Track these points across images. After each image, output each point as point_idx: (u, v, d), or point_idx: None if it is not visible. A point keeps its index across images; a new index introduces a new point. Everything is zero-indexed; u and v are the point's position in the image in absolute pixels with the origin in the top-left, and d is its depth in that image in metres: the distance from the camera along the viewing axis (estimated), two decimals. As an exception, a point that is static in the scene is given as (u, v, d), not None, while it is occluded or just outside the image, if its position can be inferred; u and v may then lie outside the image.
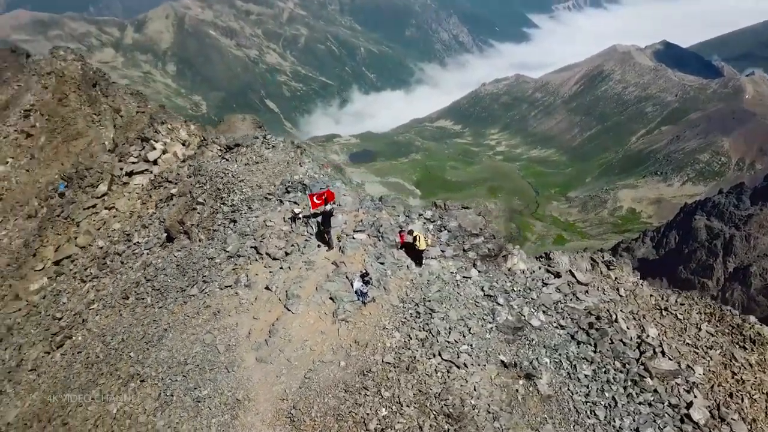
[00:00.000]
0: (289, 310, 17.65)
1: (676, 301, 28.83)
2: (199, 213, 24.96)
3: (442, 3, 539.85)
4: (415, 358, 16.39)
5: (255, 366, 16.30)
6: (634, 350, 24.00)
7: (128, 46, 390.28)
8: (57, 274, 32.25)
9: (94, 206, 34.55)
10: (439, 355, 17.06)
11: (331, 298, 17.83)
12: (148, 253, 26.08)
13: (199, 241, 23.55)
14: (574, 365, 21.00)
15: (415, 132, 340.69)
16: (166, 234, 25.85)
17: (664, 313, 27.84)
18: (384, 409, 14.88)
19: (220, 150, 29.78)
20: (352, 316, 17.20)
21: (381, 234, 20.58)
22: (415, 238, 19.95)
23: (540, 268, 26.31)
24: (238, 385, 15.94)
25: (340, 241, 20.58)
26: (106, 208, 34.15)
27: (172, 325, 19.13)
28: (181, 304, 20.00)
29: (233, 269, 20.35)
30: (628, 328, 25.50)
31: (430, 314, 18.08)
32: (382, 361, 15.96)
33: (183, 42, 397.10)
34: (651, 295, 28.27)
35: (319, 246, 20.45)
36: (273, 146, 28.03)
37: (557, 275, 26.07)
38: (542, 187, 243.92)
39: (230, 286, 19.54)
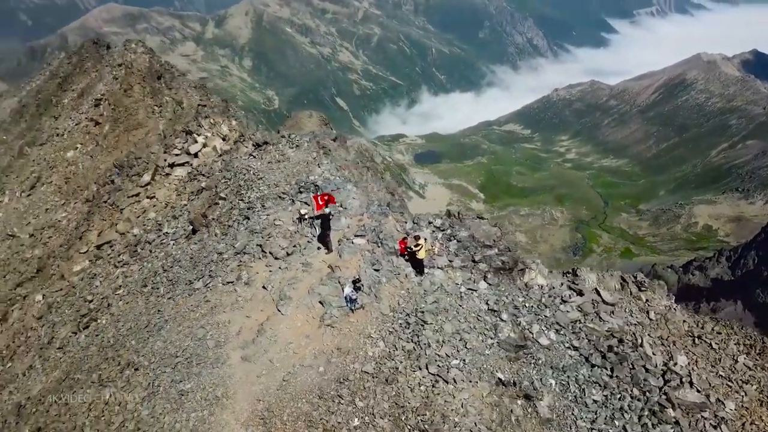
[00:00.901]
0: (279, 311, 17.69)
1: (713, 330, 27.03)
2: (220, 207, 25.51)
3: (519, 6, 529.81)
4: (397, 369, 16.03)
5: (239, 364, 16.42)
6: (658, 378, 22.64)
7: (208, 40, 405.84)
8: (96, 258, 33.81)
9: (137, 195, 36.01)
10: (426, 368, 16.61)
11: (320, 302, 17.73)
12: (173, 244, 26.86)
13: (215, 235, 24.03)
14: (583, 389, 20.01)
15: (483, 135, 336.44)
16: (191, 226, 26.58)
17: (697, 341, 26.15)
18: (356, 419, 14.62)
19: (252, 147, 30.29)
20: (338, 321, 17.02)
21: (380, 240, 20.27)
22: (415, 246, 19.53)
23: (562, 284, 25.23)
24: (219, 382, 16.11)
25: (340, 244, 20.45)
26: (147, 197, 35.51)
27: (173, 316, 19.59)
28: (185, 297, 20.45)
29: (238, 266, 20.62)
30: (654, 354, 24.10)
31: (422, 326, 17.63)
32: (361, 370, 15.71)
33: (260, 38, 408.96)
34: (684, 321, 26.61)
35: (319, 248, 20.40)
36: (297, 145, 28.25)
37: (580, 293, 24.93)
38: (612, 197, 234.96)
39: (232, 282, 19.81)
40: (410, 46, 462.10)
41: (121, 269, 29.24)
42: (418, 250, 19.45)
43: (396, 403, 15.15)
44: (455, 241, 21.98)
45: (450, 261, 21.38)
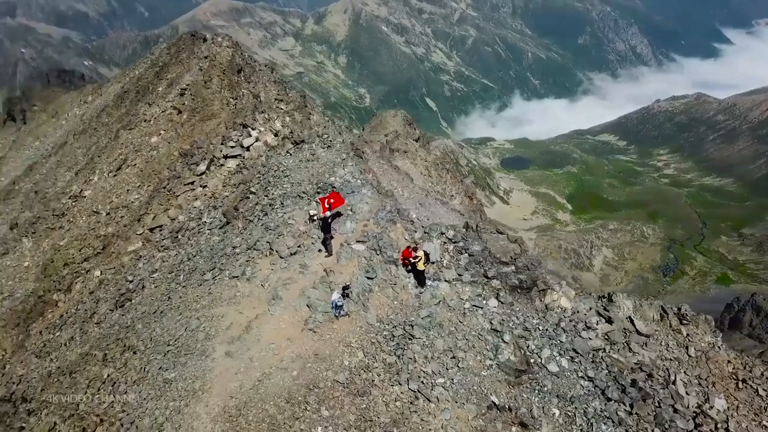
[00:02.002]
0: (269, 310, 17.75)
1: (762, 374, 24.52)
2: (249, 201, 26.05)
3: (624, 12, 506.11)
4: (373, 382, 15.62)
5: (221, 359, 16.63)
6: (688, 421, 20.95)
7: (307, 36, 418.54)
8: (146, 241, 35.62)
9: (192, 183, 37.54)
10: (406, 383, 16.08)
11: (308, 306, 17.59)
12: (208, 234, 27.69)
13: (237, 228, 24.54)
14: (592, 423, 18.75)
15: (575, 144, 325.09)
16: (224, 217, 27.33)
17: (741, 385, 23.91)
18: (320, 428, 14.39)
19: (291, 144, 30.71)
20: (321, 327, 16.82)
21: (380, 248, 19.81)
22: (416, 257, 18.95)
23: (590, 309, 23.77)
24: (200, 375, 16.39)
25: (341, 248, 20.20)
26: (201, 186, 36.93)
27: (177, 305, 20.18)
28: (194, 287, 21.01)
29: (246, 261, 20.92)
30: (687, 393, 22.31)
31: (409, 339, 17.08)
32: (333, 378, 15.43)
33: (356, 36, 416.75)
34: (729, 362, 24.39)
35: (320, 251, 20.29)
36: (328, 146, 28.29)
37: (609, 320, 23.37)
38: (711, 219, 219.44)
39: (236, 277, 20.12)
40: (505, 50, 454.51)
41: (162, 254, 30.58)
42: (417, 262, 18.91)
43: (363, 417, 14.78)
44: (467, 254, 21.15)
45: (459, 275, 20.62)
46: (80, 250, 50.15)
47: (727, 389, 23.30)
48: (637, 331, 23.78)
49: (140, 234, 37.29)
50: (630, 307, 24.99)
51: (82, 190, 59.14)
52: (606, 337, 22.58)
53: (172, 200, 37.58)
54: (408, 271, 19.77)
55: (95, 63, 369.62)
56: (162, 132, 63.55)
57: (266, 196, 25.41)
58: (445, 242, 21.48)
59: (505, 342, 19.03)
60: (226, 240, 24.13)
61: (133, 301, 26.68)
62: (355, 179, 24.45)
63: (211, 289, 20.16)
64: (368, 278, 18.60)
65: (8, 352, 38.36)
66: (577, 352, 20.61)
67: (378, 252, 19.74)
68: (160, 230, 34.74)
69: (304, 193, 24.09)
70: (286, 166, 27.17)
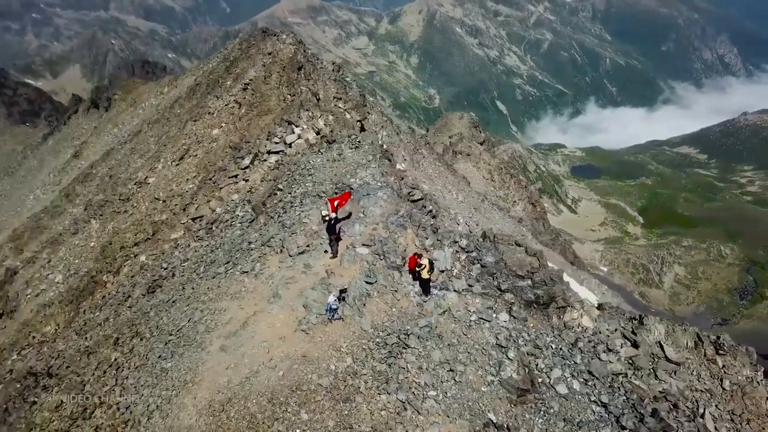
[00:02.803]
0: (267, 308, 17.78)
1: (805, 417, 22.50)
2: (276, 198, 26.29)
3: (712, 19, 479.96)
4: (358, 388, 15.32)
5: (216, 353, 16.80)
6: (714, 458, 19.49)
7: (380, 36, 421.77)
8: (187, 230, 36.71)
9: (235, 176, 38.42)
10: (395, 393, 15.67)
11: (304, 306, 17.48)
12: (238, 227, 28.18)
13: (259, 223, 24.82)
14: (600, 451, 17.68)
15: (650, 155, 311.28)
16: (253, 212, 27.77)
17: (780, 425, 21.98)
18: (297, 431, 14.25)
19: (324, 143, 30.81)
20: (313, 329, 16.68)
21: (384, 253, 19.42)
22: (420, 265, 18.47)
23: (615, 330, 22.51)
24: (193, 367, 16.63)
25: (347, 251, 19.97)
26: (243, 180, 37.75)
27: (187, 296, 20.58)
28: (208, 279, 21.40)
29: (258, 257, 21.09)
30: (716, 429, 20.76)
31: (403, 348, 16.65)
32: (317, 382, 15.24)
33: (429, 36, 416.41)
34: (768, 399, 22.45)
35: (326, 252, 20.14)
36: (356, 147, 28.12)
37: (635, 344, 22.06)
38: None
39: (246, 272, 20.31)
40: (582, 55, 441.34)
41: (195, 244, 31.43)
42: (421, 270, 18.44)
43: (343, 423, 14.54)
44: (479, 265, 20.47)
45: (470, 285, 19.98)
46: (135, 235, 52.23)
47: (763, 428, 21.53)
48: (667, 358, 22.38)
49: (183, 223, 38.52)
50: (662, 332, 23.56)
51: (146, 177, 61.56)
52: (629, 361, 21.34)
53: (216, 192, 38.61)
54: (414, 279, 19.34)
55: (178, 56, 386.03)
56: (223, 125, 65.44)
57: (290, 193, 25.61)
58: (457, 251, 20.89)
59: (509, 358, 18.29)
60: (245, 235, 24.51)
61: (162, 288, 27.57)
62: (375, 181, 24.20)
63: (221, 282, 20.48)
64: (367, 283, 18.30)
65: (60, 328, 40.57)
66: (592, 375, 19.57)
67: (382, 257, 19.42)
68: (200, 220, 35.76)
69: (324, 192, 24.09)
70: (312, 165, 27.31)
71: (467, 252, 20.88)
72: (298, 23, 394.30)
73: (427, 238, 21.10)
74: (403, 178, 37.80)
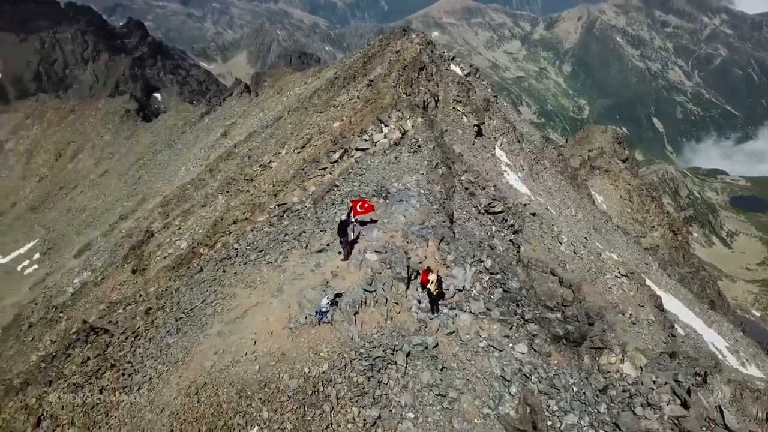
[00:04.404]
0: (269, 301, 17.86)
1: None
2: (332, 193, 26.46)
3: None
4: (328, 396, 14.87)
5: (212, 337, 17.22)
6: None
7: (534, 41, 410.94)
8: (269, 215, 38.13)
9: (324, 169, 39.27)
10: (369, 408, 15.00)
11: (299, 305, 17.29)
12: (298, 218, 28.72)
13: (306, 217, 25.09)
14: None
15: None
16: (313, 204, 28.19)
17: None
18: (256, 428, 14.20)
19: (392, 144, 30.38)
20: (299, 329, 16.46)
21: (391, 263, 18.57)
22: (428, 280, 17.48)
23: (665, 384, 19.85)
24: (189, 347, 17.21)
25: (357, 255, 19.42)
26: (329, 173, 38.45)
27: (215, 278, 21.35)
28: (240, 265, 22.04)
29: (287, 250, 21.31)
30: None
31: (388, 364, 15.86)
32: (286, 382, 15.03)
33: (586, 44, 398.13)
34: None
35: (339, 253, 19.76)
36: (414, 151, 27.31)
37: (685, 404, 19.30)
38: None
39: (270, 263, 20.61)
40: (761, 74, 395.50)
41: (267, 229, 32.53)
42: (429, 286, 17.50)
43: (302, 428, 14.25)
44: (501, 289, 18.98)
45: (488, 309, 18.61)
46: (243, 213, 55.53)
47: None
48: (725, 426, 19.37)
49: (272, 208, 40.26)
50: (726, 395, 20.47)
51: (270, 161, 65.07)
52: (674, 422, 18.76)
53: (305, 182, 39.87)
54: (428, 294, 18.46)
55: (334, 49, 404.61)
56: (344, 118, 67.37)
57: (339, 190, 25.70)
58: (480, 271, 19.60)
59: (510, 394, 16.84)
60: (289, 226, 24.96)
61: (225, 267, 28.91)
62: (416, 188, 23.47)
63: (246, 270, 21.04)
64: (366, 290, 17.72)
65: (156, 291, 44.36)
66: (618, 429, 17.42)
67: (389, 266, 18.73)
68: (280, 208, 37.11)
69: (364, 194, 23.87)
70: (367, 165, 27.17)
71: (491, 273, 19.55)
72: (451, 24, 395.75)
73: (449, 253, 20.07)
74: (485, 188, 36.44)
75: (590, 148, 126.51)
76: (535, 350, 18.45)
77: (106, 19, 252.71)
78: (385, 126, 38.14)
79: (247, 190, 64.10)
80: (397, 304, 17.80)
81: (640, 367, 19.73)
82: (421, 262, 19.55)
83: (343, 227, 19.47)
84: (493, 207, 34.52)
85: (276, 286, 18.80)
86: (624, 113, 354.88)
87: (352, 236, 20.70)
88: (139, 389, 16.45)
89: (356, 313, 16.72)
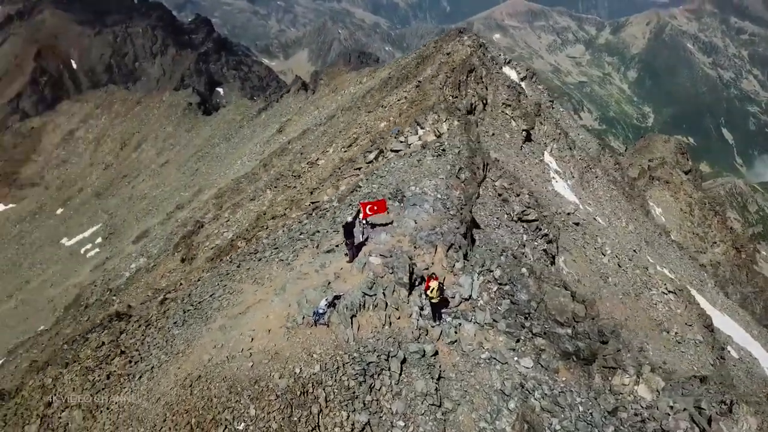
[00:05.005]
0: (271, 299, 17.93)
1: None
2: (355, 194, 26.42)
3: None
4: (317, 398, 14.79)
5: (214, 331, 17.44)
6: None
7: (599, 45, 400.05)
8: (301, 212, 38.40)
9: (359, 169, 39.31)
10: (358, 413, 14.84)
11: (298, 304, 17.26)
12: (321, 217, 28.83)
13: (324, 216, 25.12)
14: None
15: None
16: (338, 203, 28.26)
17: None
18: (242, 425, 14.28)
19: (421, 147, 30.07)
20: (295, 329, 16.41)
21: (393, 267, 18.24)
22: (429, 288, 17.11)
23: (684, 410, 18.77)
24: (191, 339, 17.50)
25: (362, 257, 19.22)
26: (362, 174, 38.40)
27: (228, 273, 21.67)
28: (255, 261, 22.30)
29: (300, 248, 21.39)
30: None
31: (380, 369, 15.62)
32: (276, 381, 15.03)
33: (654, 50, 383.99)
34: None
35: (346, 255, 19.61)
36: (438, 154, 26.85)
37: (703, 432, 18.22)
38: None
39: (282, 261, 20.72)
40: None
41: (295, 226, 32.80)
42: (429, 292, 17.16)
43: (288, 428, 14.23)
44: (509, 301, 18.40)
45: (494, 320, 18.09)
46: (284, 209, 56.43)
47: None
48: (745, 461, 18.22)
49: (306, 205, 40.66)
50: (753, 426, 19.23)
51: (318, 159, 65.91)
52: (692, 453, 17.75)
53: (339, 181, 40.07)
54: (427, 301, 18.14)
55: (394, 49, 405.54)
56: (391, 119, 67.51)
57: (360, 191, 25.65)
58: (489, 281, 19.09)
59: (508, 409, 16.32)
60: (307, 225, 25.10)
61: (242, 261, 29.36)
62: (433, 193, 23.10)
63: (258, 266, 21.27)
64: (366, 294, 17.48)
65: (187, 281, 45.68)
66: (622, 453, 16.65)
67: (391, 271, 18.47)
68: (313, 205, 37.39)
69: (382, 196, 23.69)
70: (389, 168, 27.01)
71: (500, 284, 19.03)
72: (514, 26, 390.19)
73: (457, 261, 19.64)
74: (519, 195, 35.65)
75: (651, 157, 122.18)
76: (541, 365, 17.86)
77: (175, 15, 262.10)
78: (421, 128, 37.90)
79: (294, 187, 64.91)
80: (397, 309, 17.57)
81: (657, 391, 18.76)
82: (427, 268, 19.25)
83: (348, 229, 19.38)
84: (527, 215, 33.80)
85: (280, 284, 18.92)
86: (691, 123, 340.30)
87: (361, 238, 20.63)
88: (140, 377, 16.90)
89: (353, 316, 16.57)
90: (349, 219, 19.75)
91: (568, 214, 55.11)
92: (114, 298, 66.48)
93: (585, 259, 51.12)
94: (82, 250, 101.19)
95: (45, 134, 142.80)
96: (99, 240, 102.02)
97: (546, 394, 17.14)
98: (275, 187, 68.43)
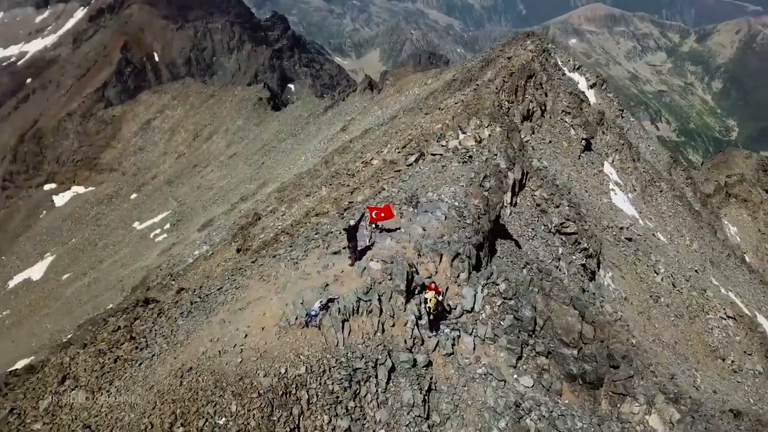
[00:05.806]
0: (271, 297, 18.00)
1: None
2: (380, 196, 26.26)
3: None
4: (299, 400, 14.72)
5: (214, 324, 17.67)
6: None
7: (682, 54, 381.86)
8: (338, 211, 38.50)
9: (398, 171, 39.00)
10: (339, 418, 14.66)
11: (293, 304, 17.23)
12: (343, 217, 28.76)
13: (345, 217, 25.07)
14: None
15: None
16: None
17: None
18: (223, 419, 14.42)
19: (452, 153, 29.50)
20: (286, 328, 16.37)
21: (392, 274, 17.83)
22: (427, 299, 16.69)
23: (698, 449, 17.50)
24: (191, 330, 17.83)
25: (363, 262, 18.93)
26: (401, 176, 38.12)
27: (240, 268, 21.94)
28: (270, 258, 22.47)
29: (311, 248, 21.41)
30: None
31: (367, 376, 15.34)
32: (260, 380, 15.06)
33: (743, 60, 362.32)
34: None
35: (349, 257, 19.38)
36: (464, 161, 26.12)
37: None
38: None
39: (293, 259, 20.79)
40: None
41: (325, 226, 32.85)
42: (428, 303, 16.77)
43: (266, 427, 14.25)
44: (512, 316, 17.68)
45: (495, 335, 17.44)
46: (330, 207, 57.04)
47: None
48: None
49: (344, 204, 40.83)
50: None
51: (372, 159, 66.34)
52: (699, 492, 16.60)
53: (379, 182, 40.00)
54: (428, 311, 17.72)
55: (466, 51, 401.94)
56: (446, 122, 67.06)
57: (380, 195, 25.49)
58: (493, 294, 18.45)
59: (498, 428, 15.70)
60: (325, 225, 25.16)
61: (258, 257, 29.72)
62: (449, 200, 22.55)
63: (271, 262, 21.44)
64: (360, 299, 17.22)
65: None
66: (622, 488, 15.74)
67: (390, 277, 18.13)
68: (348, 205, 37.49)
69: (399, 200, 23.40)
70: (415, 172, 26.64)
71: (504, 298, 18.38)
72: (591, 31, 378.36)
73: (462, 271, 19.10)
74: (559, 206, 34.50)
75: (729, 173, 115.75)
76: (542, 385, 17.17)
77: (254, 12, 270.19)
78: (462, 132, 37.30)
79: (347, 185, 65.37)
80: (392, 316, 17.26)
81: (671, 422, 17.63)
82: (429, 277, 18.86)
83: (351, 232, 19.29)
84: (566, 227, 32.68)
85: (283, 283, 19.07)
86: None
87: (367, 242, 20.50)
88: (140, 364, 17.44)
89: (345, 320, 16.42)
90: (352, 223, 19.65)
91: (621, 228, 52.96)
92: (173, 282, 69.11)
93: (635, 277, 48.95)
94: (152, 235, 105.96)
95: (125, 122, 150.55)
96: (167, 226, 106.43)
97: (543, 415, 16.45)
98: (330, 184, 69.15)
